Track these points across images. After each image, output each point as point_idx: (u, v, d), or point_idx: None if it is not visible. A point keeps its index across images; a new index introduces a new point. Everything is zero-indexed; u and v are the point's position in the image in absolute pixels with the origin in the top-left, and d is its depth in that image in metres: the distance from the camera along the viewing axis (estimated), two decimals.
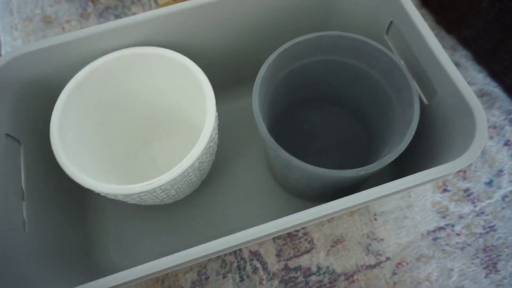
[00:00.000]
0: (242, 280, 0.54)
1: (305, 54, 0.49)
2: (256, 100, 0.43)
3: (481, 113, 0.38)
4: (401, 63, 0.46)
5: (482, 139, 0.36)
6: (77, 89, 0.43)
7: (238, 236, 0.33)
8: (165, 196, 0.42)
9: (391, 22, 0.51)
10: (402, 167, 0.52)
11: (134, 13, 0.78)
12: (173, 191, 0.42)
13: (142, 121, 0.53)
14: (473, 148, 0.35)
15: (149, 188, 0.37)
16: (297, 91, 0.56)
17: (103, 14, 0.78)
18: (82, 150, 0.43)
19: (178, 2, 0.67)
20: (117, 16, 0.78)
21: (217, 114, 0.45)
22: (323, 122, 0.60)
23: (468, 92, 0.40)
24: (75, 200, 0.52)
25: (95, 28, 0.44)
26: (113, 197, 0.39)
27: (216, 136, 0.47)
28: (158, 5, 0.66)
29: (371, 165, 0.40)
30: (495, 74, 0.68)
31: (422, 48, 0.45)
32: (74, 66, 0.45)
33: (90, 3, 0.80)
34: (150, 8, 0.79)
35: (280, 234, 0.36)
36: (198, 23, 0.48)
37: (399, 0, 0.48)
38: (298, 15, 0.54)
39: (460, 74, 0.41)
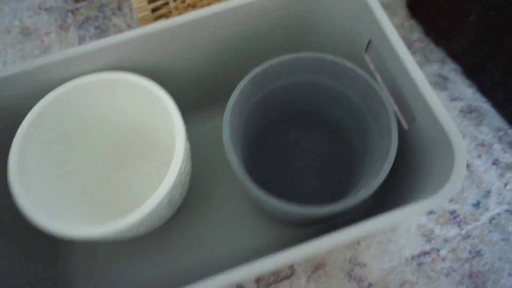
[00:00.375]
0: None
1: (279, 76, 0.47)
2: (226, 130, 0.41)
3: (460, 148, 0.36)
4: (379, 86, 0.44)
5: (459, 177, 0.34)
6: (40, 118, 0.41)
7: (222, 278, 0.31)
8: (135, 232, 0.40)
9: (370, 41, 0.49)
10: (383, 192, 0.50)
11: (114, 24, 0.76)
12: (142, 228, 0.40)
13: (114, 145, 0.51)
14: (448, 188, 0.33)
15: (114, 229, 0.35)
16: (274, 111, 0.54)
17: (83, 26, 0.76)
18: (48, 183, 0.41)
19: (157, 14, 0.65)
20: (97, 28, 0.76)
21: (188, 145, 0.43)
22: (303, 142, 0.58)
23: (448, 123, 0.38)
24: (40, 236, 0.50)
25: (59, 54, 0.42)
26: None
27: (189, 165, 0.45)
28: (138, 17, 0.64)
29: (347, 200, 0.38)
30: (484, 89, 0.66)
31: (399, 72, 0.43)
32: (38, 93, 0.43)
33: (70, 14, 0.78)
34: (131, 19, 0.77)
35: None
36: (168, 44, 0.46)
37: (377, 18, 0.46)
38: (275, 33, 0.52)
39: (439, 103, 0.39)
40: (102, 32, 0.75)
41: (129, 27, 0.76)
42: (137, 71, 0.47)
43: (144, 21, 0.65)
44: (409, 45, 0.72)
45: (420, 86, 0.40)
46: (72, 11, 0.78)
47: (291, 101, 0.53)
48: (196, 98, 0.57)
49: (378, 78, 0.49)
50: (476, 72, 0.66)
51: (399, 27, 0.74)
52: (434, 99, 0.39)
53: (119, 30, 0.75)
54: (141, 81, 0.43)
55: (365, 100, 0.47)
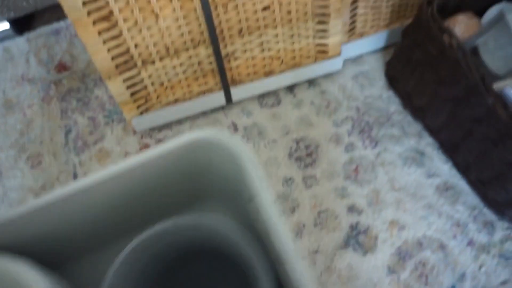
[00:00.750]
0: None
1: (157, 249, 0.47)
2: None
3: None
4: (249, 250, 0.43)
5: None
6: None
7: None
8: None
9: (251, 195, 0.48)
10: None
11: (96, 96, 0.77)
12: None
13: None
14: None
15: None
16: (169, 259, 0.52)
17: (66, 98, 0.77)
18: None
19: (136, 97, 0.66)
20: (79, 100, 0.77)
21: None
22: (204, 279, 0.57)
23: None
24: None
25: None
26: None
27: None
28: (117, 102, 0.64)
29: None
30: (459, 166, 0.67)
31: (270, 229, 0.41)
32: None
33: (52, 86, 0.78)
34: None
35: None
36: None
37: (252, 178, 0.43)
38: (173, 187, 0.51)
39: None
40: (84, 105, 0.76)
41: (111, 98, 0.76)
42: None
43: (125, 105, 0.65)
44: (387, 118, 0.73)
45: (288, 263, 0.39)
46: (55, 82, 0.79)
47: (184, 247, 0.52)
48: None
49: (258, 227, 0.48)
50: (451, 150, 0.67)
51: (377, 99, 0.75)
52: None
53: (101, 103, 0.76)
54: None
55: (240, 258, 0.46)
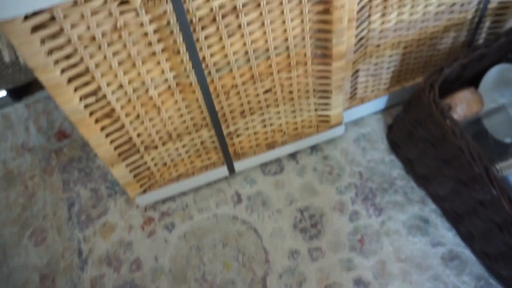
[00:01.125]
0: None
1: None
2: None
3: None
4: None
5: None
6: None
7: None
8: None
9: None
10: None
11: (98, 166, 0.76)
12: None
13: None
14: None
15: None
16: None
17: (67, 168, 0.76)
18: None
19: (140, 177, 0.66)
20: (81, 171, 0.76)
21: None
22: None
23: None
24: None
25: None
26: None
27: None
28: (121, 183, 0.64)
29: None
30: (463, 236, 0.67)
31: None
32: None
33: (53, 155, 0.78)
34: None
35: None
36: None
37: None
38: None
39: None
40: (86, 175, 0.76)
41: None
42: None
43: (128, 185, 0.65)
44: (390, 183, 0.73)
45: None
46: (56, 151, 0.78)
47: None
48: None
49: None
50: (455, 220, 0.67)
51: (379, 163, 0.75)
52: None
53: (103, 173, 0.76)
54: None
55: None
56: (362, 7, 0.60)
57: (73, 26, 0.44)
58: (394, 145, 0.75)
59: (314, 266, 0.67)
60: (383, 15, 0.62)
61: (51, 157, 0.78)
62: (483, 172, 0.53)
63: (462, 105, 0.61)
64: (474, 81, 0.70)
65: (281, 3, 0.50)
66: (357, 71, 0.69)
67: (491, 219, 0.57)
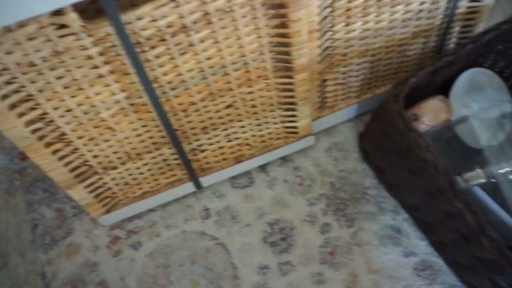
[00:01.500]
0: None
1: None
2: None
3: None
4: None
5: None
6: None
7: None
8: None
9: None
10: None
11: None
12: None
13: None
14: None
15: None
16: None
17: (31, 189, 0.74)
18: None
19: (101, 197, 0.64)
20: (45, 191, 0.74)
21: None
22: None
23: None
24: None
25: None
26: None
27: None
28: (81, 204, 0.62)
29: None
30: (435, 246, 0.67)
31: None
32: None
33: (16, 175, 0.75)
34: None
35: None
36: None
37: None
38: None
39: None
40: (50, 195, 0.73)
41: None
42: None
43: (89, 207, 0.63)
44: (362, 193, 0.72)
45: None
46: (19, 171, 0.76)
47: None
48: None
49: None
50: (426, 229, 0.66)
51: (351, 172, 0.73)
52: None
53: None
54: None
55: None
56: (325, 17, 0.58)
57: (8, 52, 0.41)
58: (366, 154, 0.73)
59: (284, 280, 0.66)
60: (347, 24, 0.61)
61: (14, 178, 0.75)
62: (447, 185, 0.52)
63: (429, 115, 0.59)
64: (446, 87, 0.69)
65: (233, 19, 0.48)
66: (324, 80, 0.67)
67: (458, 231, 0.56)
